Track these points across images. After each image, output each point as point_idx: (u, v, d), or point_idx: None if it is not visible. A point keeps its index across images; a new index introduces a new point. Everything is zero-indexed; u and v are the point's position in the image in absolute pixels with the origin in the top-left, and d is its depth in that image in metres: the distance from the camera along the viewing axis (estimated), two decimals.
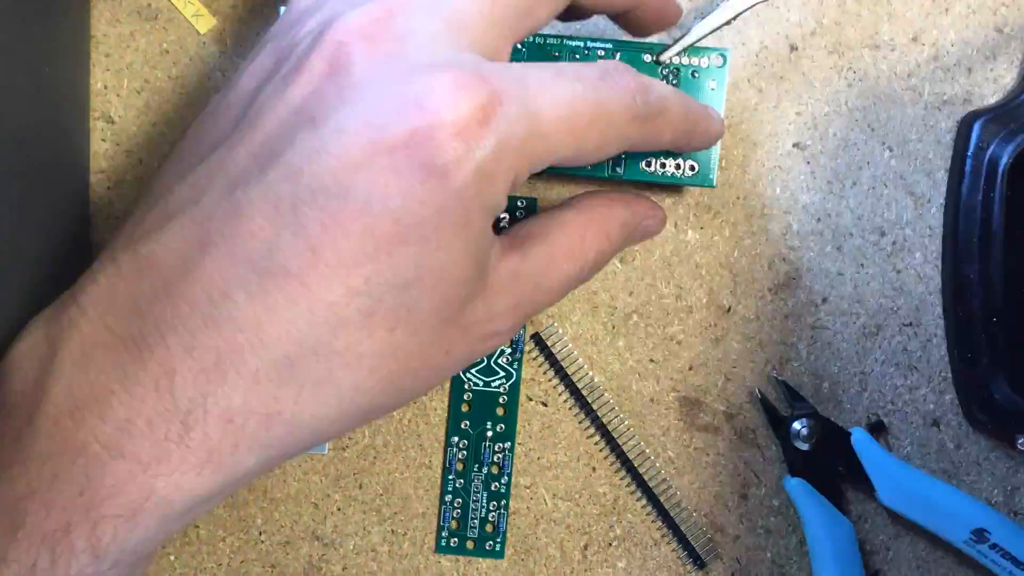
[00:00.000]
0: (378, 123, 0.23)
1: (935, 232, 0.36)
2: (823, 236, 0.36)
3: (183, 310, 0.23)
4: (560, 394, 0.36)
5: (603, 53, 0.33)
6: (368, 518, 0.36)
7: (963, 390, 0.35)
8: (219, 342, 0.23)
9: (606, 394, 0.36)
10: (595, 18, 0.32)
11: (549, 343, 0.35)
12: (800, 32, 0.36)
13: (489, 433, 0.36)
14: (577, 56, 0.33)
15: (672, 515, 0.36)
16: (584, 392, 0.35)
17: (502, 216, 0.35)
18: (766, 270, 0.36)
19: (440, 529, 0.36)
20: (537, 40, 0.33)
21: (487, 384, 0.36)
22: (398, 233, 0.23)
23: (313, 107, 0.24)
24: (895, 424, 0.36)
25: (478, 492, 0.36)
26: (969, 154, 0.35)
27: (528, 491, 0.36)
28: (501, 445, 0.36)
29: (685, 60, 0.33)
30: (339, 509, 0.36)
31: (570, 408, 0.36)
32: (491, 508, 0.36)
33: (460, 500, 0.36)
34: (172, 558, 0.36)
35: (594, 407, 0.36)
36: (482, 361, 0.35)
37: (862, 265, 0.36)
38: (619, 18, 0.31)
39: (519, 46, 0.33)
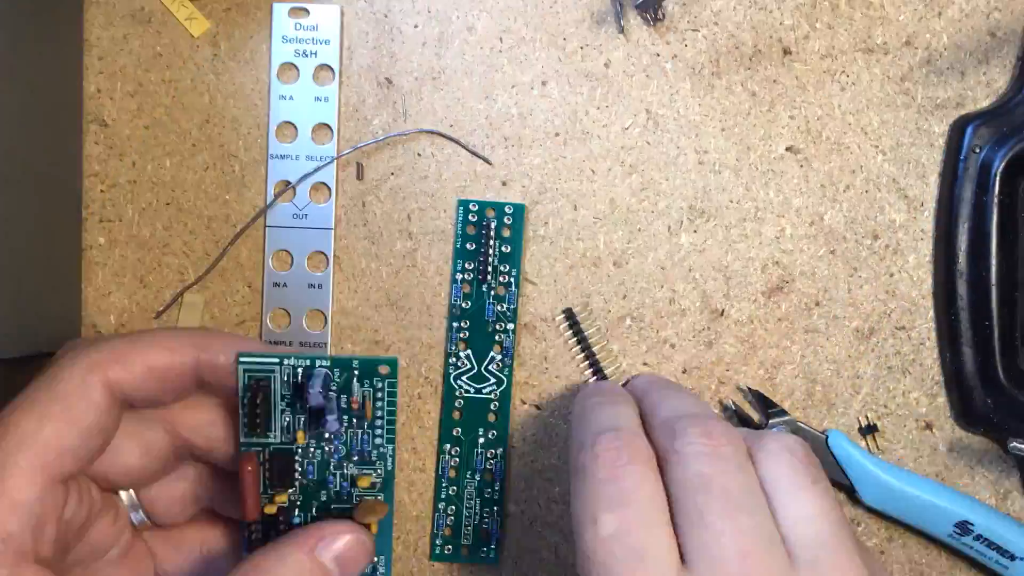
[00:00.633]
0: None
1: (928, 235, 0.36)
2: (816, 240, 0.36)
3: None
4: (552, 399, 0.36)
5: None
6: None
7: (955, 393, 0.35)
8: None
9: None
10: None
11: (580, 320, 0.36)
12: (793, 36, 0.36)
13: (481, 440, 0.36)
14: None
15: None
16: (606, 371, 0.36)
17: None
18: (759, 273, 0.36)
19: (434, 537, 0.36)
20: None
21: (478, 391, 0.36)
22: None
23: None
24: (888, 427, 0.36)
25: (471, 499, 0.36)
26: (962, 158, 0.35)
27: (523, 494, 0.36)
28: (493, 451, 0.36)
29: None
30: None
31: (563, 412, 0.36)
32: (484, 515, 0.36)
33: (453, 507, 0.36)
34: None
35: None
36: (472, 367, 0.35)
37: (855, 268, 0.36)
38: None
39: None
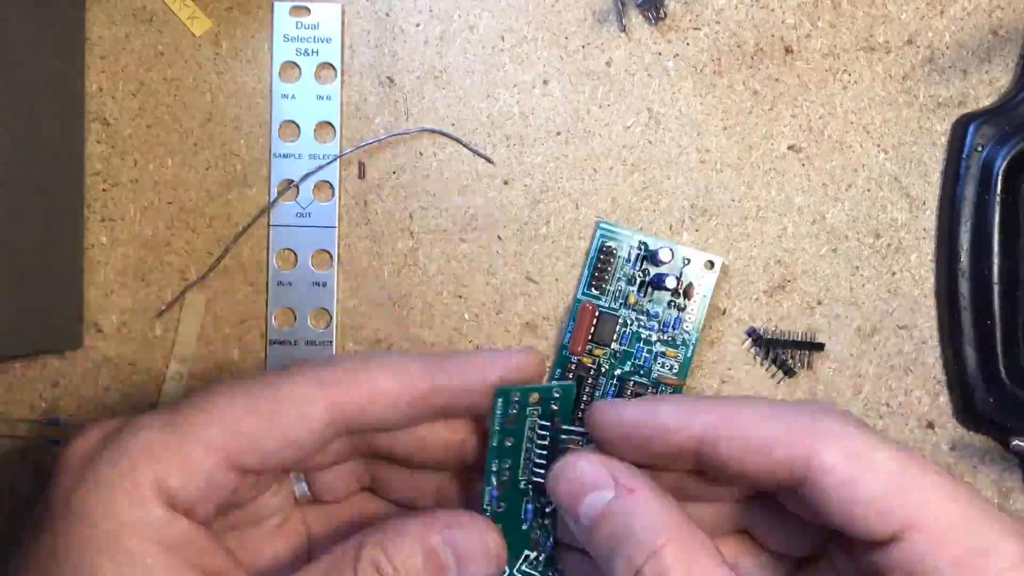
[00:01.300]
0: None
1: (930, 234, 0.36)
2: (818, 238, 0.36)
3: None
4: None
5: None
6: None
7: (957, 392, 0.35)
8: None
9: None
10: None
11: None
12: (795, 34, 0.36)
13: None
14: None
15: None
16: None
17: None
18: (761, 272, 0.36)
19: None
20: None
21: None
22: None
23: None
24: (890, 426, 0.36)
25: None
26: (964, 156, 0.35)
27: None
28: None
29: None
30: None
31: None
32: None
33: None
34: None
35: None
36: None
37: (857, 267, 0.36)
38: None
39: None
